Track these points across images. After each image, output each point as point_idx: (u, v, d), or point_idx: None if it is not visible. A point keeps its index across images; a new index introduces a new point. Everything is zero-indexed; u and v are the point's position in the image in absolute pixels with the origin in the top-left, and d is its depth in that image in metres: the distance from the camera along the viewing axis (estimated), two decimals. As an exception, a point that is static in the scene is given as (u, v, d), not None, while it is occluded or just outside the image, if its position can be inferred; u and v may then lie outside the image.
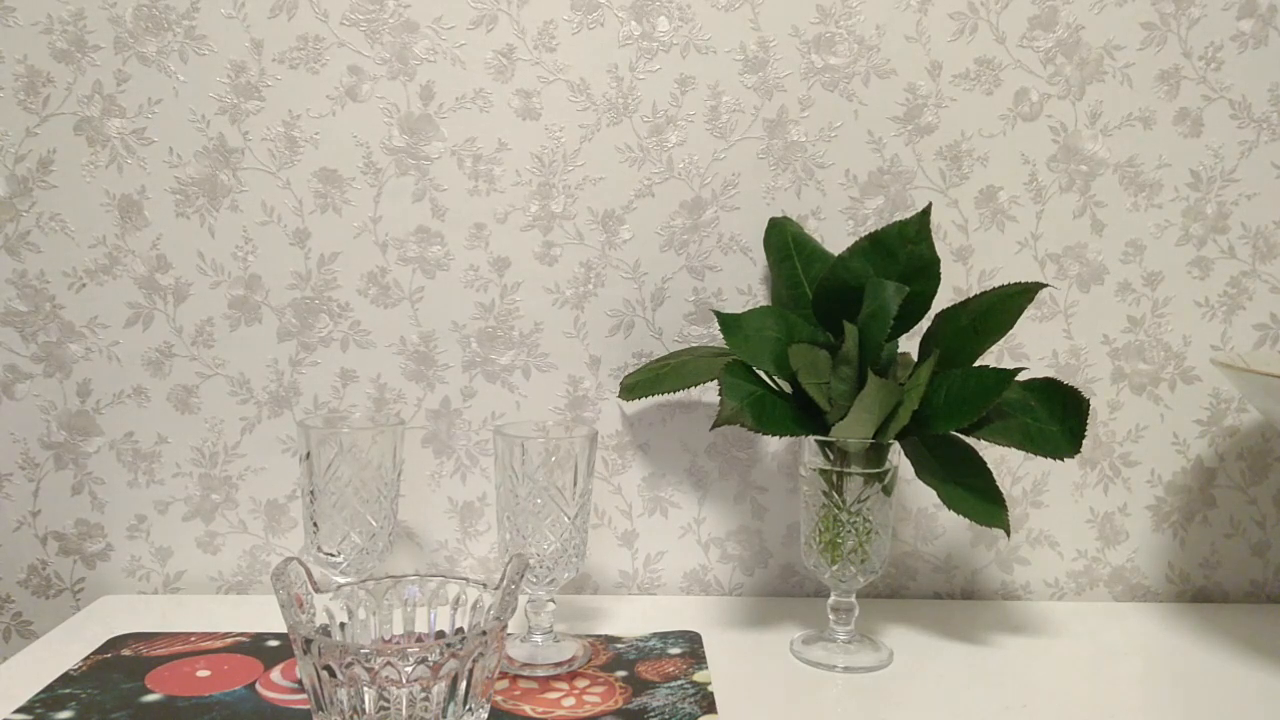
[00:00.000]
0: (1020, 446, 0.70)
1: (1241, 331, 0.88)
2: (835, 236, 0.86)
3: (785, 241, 0.81)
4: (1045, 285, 0.72)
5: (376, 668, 0.48)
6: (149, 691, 0.66)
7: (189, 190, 0.84)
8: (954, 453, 0.74)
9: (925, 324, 0.80)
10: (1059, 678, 0.72)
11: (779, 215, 0.85)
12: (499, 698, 0.66)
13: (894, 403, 0.70)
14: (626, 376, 0.81)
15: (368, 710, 0.49)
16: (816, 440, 0.72)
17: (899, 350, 0.79)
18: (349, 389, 0.86)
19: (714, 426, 0.68)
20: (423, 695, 0.49)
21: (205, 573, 0.88)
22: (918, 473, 0.74)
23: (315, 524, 0.71)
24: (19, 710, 0.63)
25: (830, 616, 0.75)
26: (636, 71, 0.84)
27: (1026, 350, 0.87)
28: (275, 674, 0.69)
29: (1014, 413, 0.72)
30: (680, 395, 0.87)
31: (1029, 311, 0.87)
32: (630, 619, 0.82)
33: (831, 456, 0.72)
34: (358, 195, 0.84)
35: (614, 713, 0.64)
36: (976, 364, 0.72)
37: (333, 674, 0.48)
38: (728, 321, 0.74)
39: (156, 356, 0.85)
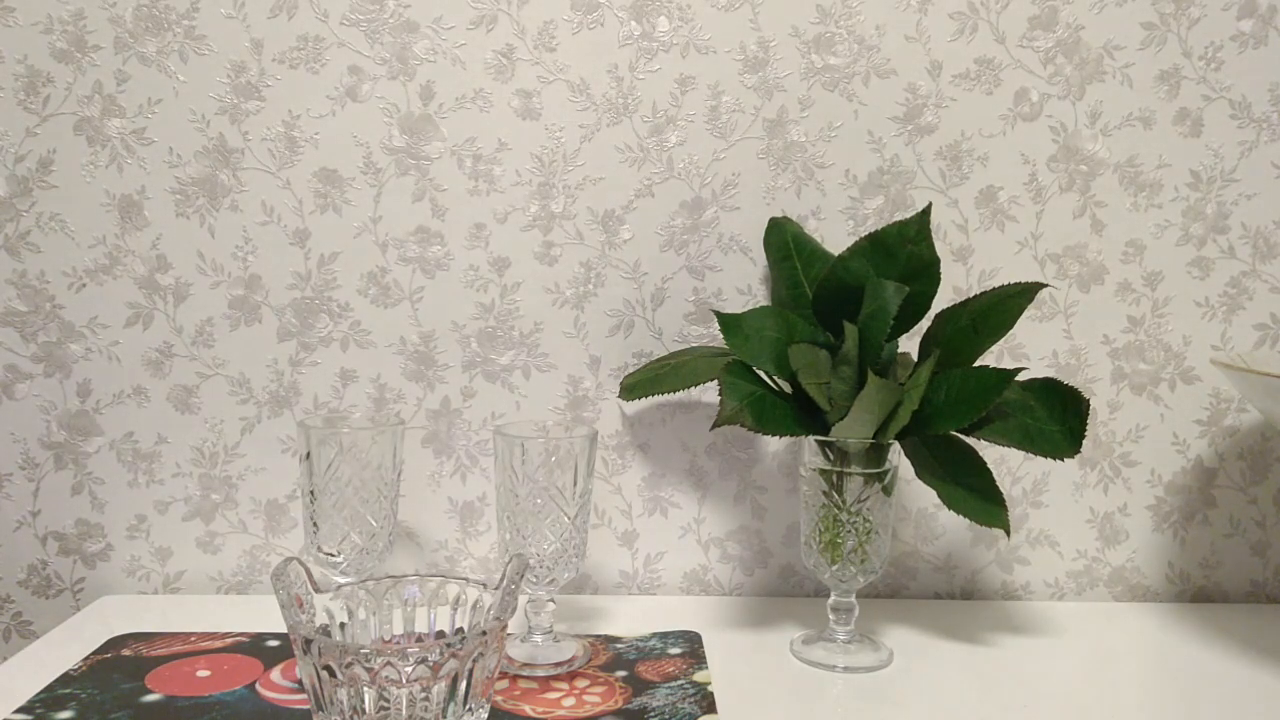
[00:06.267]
0: (1020, 446, 0.70)
1: (1241, 331, 0.88)
2: (835, 236, 0.86)
3: (785, 241, 0.81)
4: (1045, 285, 0.72)
5: (376, 668, 0.48)
6: (149, 691, 0.66)
7: (189, 190, 0.84)
8: (954, 453, 0.74)
9: (925, 324, 0.80)
10: (1059, 678, 0.72)
11: (779, 215, 0.85)
12: (499, 698, 0.66)
13: (894, 403, 0.70)
14: (626, 376, 0.81)
15: (368, 710, 0.49)
16: (816, 440, 0.72)
17: (899, 350, 0.79)
18: (349, 389, 0.86)
19: (714, 426, 0.68)
20: (423, 695, 0.49)
21: (205, 573, 0.88)
22: (918, 473, 0.74)
23: (315, 524, 0.71)
24: (19, 710, 0.63)
25: (830, 616, 0.75)
26: (636, 71, 0.84)
27: (1026, 350, 0.87)
28: (275, 674, 0.69)
29: (1014, 413, 0.72)
30: (680, 395, 0.87)
31: (1029, 311, 0.87)
32: (630, 619, 0.82)
33: (831, 456, 0.72)
34: (358, 195, 0.84)
35: (614, 713, 0.64)
36: (976, 364, 0.72)
37: (333, 674, 0.48)
38: (728, 321, 0.74)
39: (156, 356, 0.85)
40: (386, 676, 0.48)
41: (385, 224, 0.85)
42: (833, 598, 0.75)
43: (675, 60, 0.84)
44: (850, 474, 0.71)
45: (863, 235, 0.77)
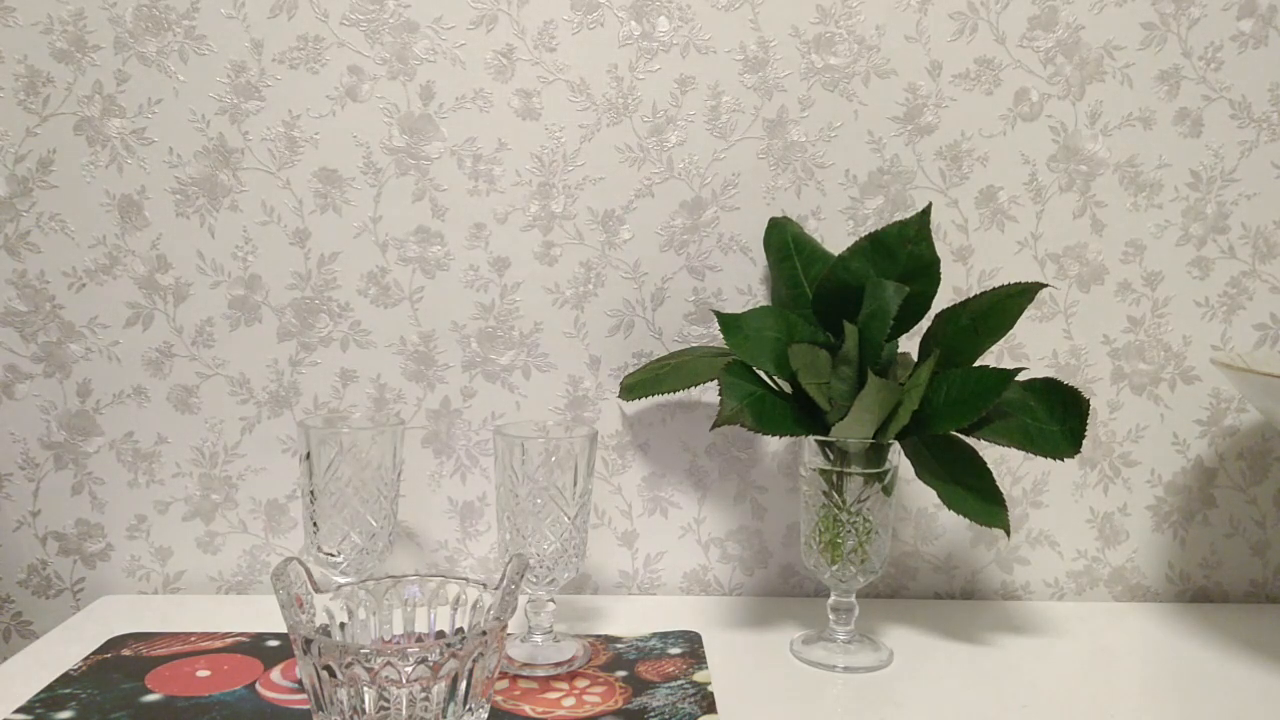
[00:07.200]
0: (1020, 446, 0.70)
1: (1241, 331, 0.88)
2: (835, 236, 0.86)
3: (785, 241, 0.81)
4: (1045, 285, 0.72)
5: (376, 668, 0.48)
6: (149, 691, 0.66)
7: (189, 190, 0.84)
8: (954, 453, 0.74)
9: (925, 324, 0.80)
10: (1059, 678, 0.72)
11: (779, 215, 0.85)
12: (499, 698, 0.66)
13: (894, 403, 0.70)
14: (626, 376, 0.81)
15: (368, 710, 0.49)
16: (816, 440, 0.72)
17: (899, 350, 0.79)
18: (349, 389, 0.86)
19: (714, 426, 0.68)
20: (423, 695, 0.49)
21: (205, 573, 0.88)
22: (918, 473, 0.74)
23: (315, 524, 0.71)
24: (19, 710, 0.63)
25: (830, 616, 0.75)
26: (636, 71, 0.84)
27: (1026, 350, 0.87)
28: (275, 674, 0.69)
29: (1014, 413, 0.72)
30: (680, 395, 0.87)
31: (1029, 311, 0.87)
32: (630, 619, 0.82)
33: (831, 456, 0.72)
34: (358, 195, 0.84)
35: (614, 713, 0.64)
36: (976, 364, 0.72)
37: (333, 674, 0.48)
38: (728, 321, 0.74)
39: (156, 356, 0.85)
40: (386, 676, 0.48)
41: (385, 224, 0.85)
42: (833, 598, 0.75)
43: (675, 60, 0.84)
44: (850, 474, 0.71)
45: (863, 235, 0.77)
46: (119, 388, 0.85)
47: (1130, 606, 0.88)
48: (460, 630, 0.57)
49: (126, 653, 0.72)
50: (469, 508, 0.88)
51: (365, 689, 0.48)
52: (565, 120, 0.84)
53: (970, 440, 0.77)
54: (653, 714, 0.63)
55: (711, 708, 0.65)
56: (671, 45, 0.83)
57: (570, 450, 0.70)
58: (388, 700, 0.48)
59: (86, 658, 0.71)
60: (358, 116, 0.83)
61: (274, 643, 0.75)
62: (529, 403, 0.87)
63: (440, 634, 0.57)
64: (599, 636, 0.77)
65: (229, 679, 0.68)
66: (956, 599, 0.90)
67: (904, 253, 0.73)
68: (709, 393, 0.87)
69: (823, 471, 0.72)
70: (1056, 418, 0.70)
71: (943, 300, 0.84)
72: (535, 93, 0.84)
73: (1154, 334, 0.87)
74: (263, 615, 0.82)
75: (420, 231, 0.85)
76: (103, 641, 0.75)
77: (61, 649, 0.74)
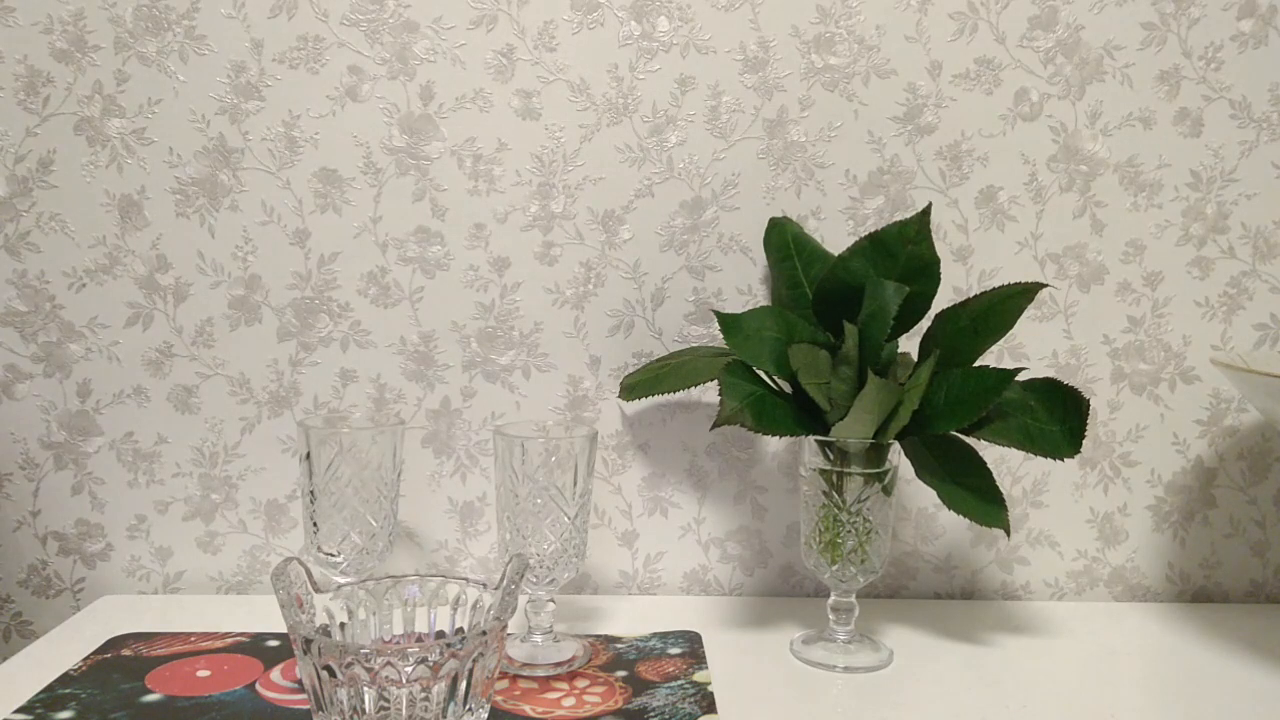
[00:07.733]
0: (1020, 446, 0.70)
1: (1241, 331, 0.88)
2: (835, 236, 0.86)
3: (785, 241, 0.81)
4: (1045, 285, 0.72)
5: (376, 668, 0.48)
6: (149, 691, 0.66)
7: (189, 190, 0.84)
8: (954, 453, 0.74)
9: (925, 324, 0.80)
10: (1059, 678, 0.72)
11: (779, 215, 0.85)
12: (499, 698, 0.66)
13: (894, 403, 0.70)
14: (626, 376, 0.81)
15: (368, 710, 0.49)
16: (816, 440, 0.72)
17: (899, 350, 0.79)
18: (349, 389, 0.86)
19: (714, 426, 0.68)
20: (423, 695, 0.49)
21: (205, 573, 0.88)
22: (918, 473, 0.74)
23: (315, 524, 0.71)
24: (19, 710, 0.63)
25: (830, 616, 0.75)
26: (636, 71, 0.84)
27: (1026, 350, 0.87)
28: (275, 674, 0.69)
29: (1014, 413, 0.72)
30: (680, 395, 0.87)
31: (1029, 311, 0.87)
32: (630, 619, 0.82)
33: (831, 456, 0.72)
34: (358, 195, 0.84)
35: (614, 713, 0.64)
36: (976, 364, 0.72)
37: (333, 674, 0.48)
38: (728, 321, 0.74)
39: (156, 356, 0.85)
40: (386, 676, 0.48)
41: (385, 224, 0.85)
42: (833, 598, 0.75)
43: (675, 60, 0.84)
44: (850, 474, 0.71)
45: (863, 235, 0.77)
46: (119, 388, 0.85)
47: (1130, 606, 0.88)
48: (460, 630, 0.57)
49: (126, 653, 0.72)
50: (469, 508, 0.88)
51: (365, 689, 0.48)
52: (565, 120, 0.84)
53: (970, 440, 0.77)
54: (653, 714, 0.63)
55: (711, 708, 0.65)
56: (671, 45, 0.84)
57: (570, 450, 0.70)
58: (388, 700, 0.49)
59: (86, 658, 0.71)
60: (358, 116, 0.83)
61: (274, 643, 0.75)
62: (529, 403, 0.87)
63: (440, 634, 0.57)
64: (599, 636, 0.77)
65: (229, 679, 0.68)
66: (956, 599, 0.90)
67: (904, 253, 0.73)
68: (709, 393, 0.87)
69: (823, 471, 0.72)
70: (1056, 418, 0.70)
71: (943, 300, 0.84)
72: (535, 93, 0.84)
73: (1154, 334, 0.87)
74: (263, 615, 0.82)
75: (420, 231, 0.85)
76: (103, 641, 0.75)
77: (61, 649, 0.74)
